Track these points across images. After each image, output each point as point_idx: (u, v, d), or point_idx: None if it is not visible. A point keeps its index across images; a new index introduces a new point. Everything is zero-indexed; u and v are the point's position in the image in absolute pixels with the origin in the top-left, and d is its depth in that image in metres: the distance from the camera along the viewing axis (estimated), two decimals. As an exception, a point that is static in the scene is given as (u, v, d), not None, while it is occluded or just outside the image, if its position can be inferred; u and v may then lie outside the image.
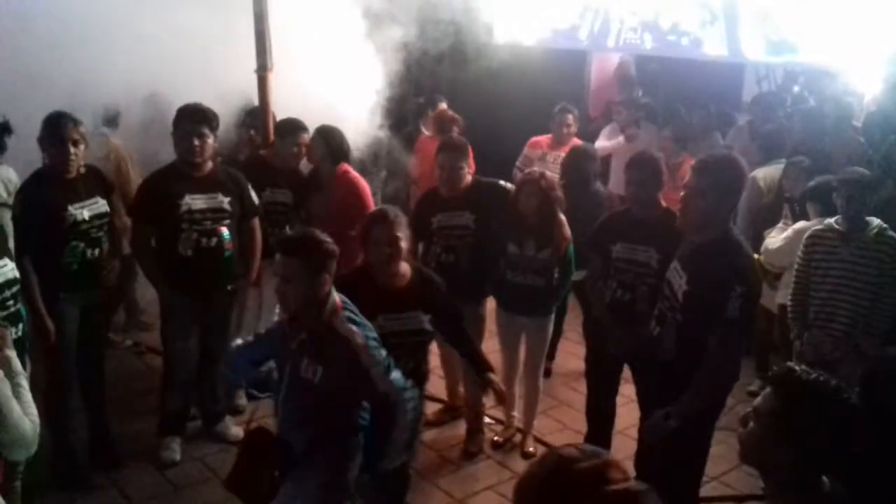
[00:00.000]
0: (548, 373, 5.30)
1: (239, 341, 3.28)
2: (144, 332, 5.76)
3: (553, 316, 4.56)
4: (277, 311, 3.61)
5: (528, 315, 4.45)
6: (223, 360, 4.17)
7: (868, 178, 4.19)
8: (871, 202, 4.14)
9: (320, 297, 2.83)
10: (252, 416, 3.59)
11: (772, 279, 4.81)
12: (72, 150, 3.82)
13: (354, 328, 2.86)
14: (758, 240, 4.91)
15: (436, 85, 7.40)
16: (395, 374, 2.92)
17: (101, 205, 4.00)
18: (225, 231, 4.19)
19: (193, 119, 4.09)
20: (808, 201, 4.63)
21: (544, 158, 5.97)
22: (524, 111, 7.14)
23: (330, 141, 4.77)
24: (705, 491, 3.82)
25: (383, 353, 2.91)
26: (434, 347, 4.20)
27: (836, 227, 4.13)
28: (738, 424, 2.02)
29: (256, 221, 4.45)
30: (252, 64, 4.86)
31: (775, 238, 4.82)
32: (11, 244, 3.55)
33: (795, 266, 4.31)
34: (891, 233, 4.07)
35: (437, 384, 4.89)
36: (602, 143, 6.60)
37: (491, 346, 4.53)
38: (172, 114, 4.17)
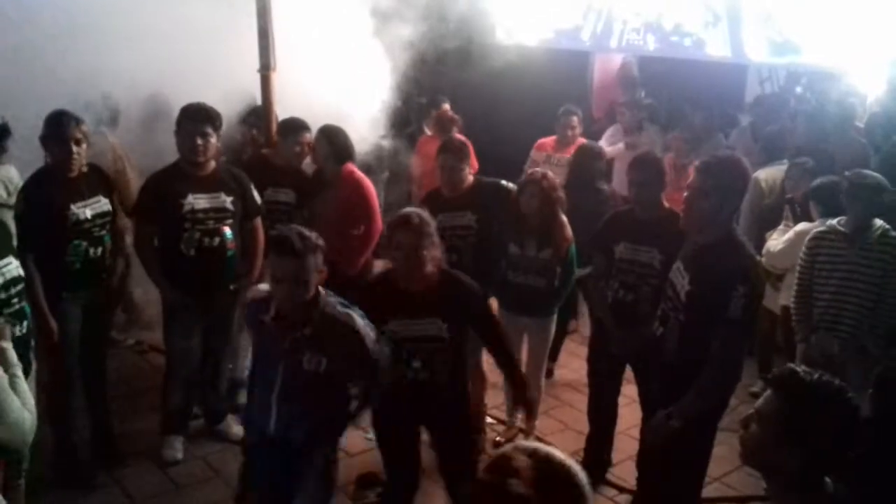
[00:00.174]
0: (550, 373, 5.30)
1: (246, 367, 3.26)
2: (147, 331, 5.76)
3: (555, 316, 4.57)
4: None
5: (530, 315, 4.45)
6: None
7: (884, 183, 4.16)
8: (882, 206, 4.13)
9: (314, 292, 2.87)
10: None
11: (774, 280, 4.81)
12: (74, 148, 3.83)
13: (349, 311, 2.93)
14: (760, 241, 4.91)
15: (438, 85, 7.40)
16: (379, 344, 3.00)
17: (103, 203, 4.01)
18: (227, 231, 4.20)
19: (197, 118, 4.09)
20: (810, 201, 4.63)
21: (549, 160, 5.98)
22: (527, 112, 7.14)
23: (334, 140, 4.77)
24: (707, 492, 3.81)
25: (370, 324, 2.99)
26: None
27: (840, 228, 4.13)
28: (739, 425, 2.02)
29: (259, 221, 4.45)
30: (255, 63, 4.87)
31: (777, 240, 4.82)
32: (15, 243, 3.55)
33: (798, 268, 4.31)
34: (894, 234, 4.08)
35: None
36: (604, 147, 6.60)
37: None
38: (176, 113, 4.17)
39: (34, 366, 3.28)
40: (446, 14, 6.01)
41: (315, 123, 4.83)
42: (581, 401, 4.49)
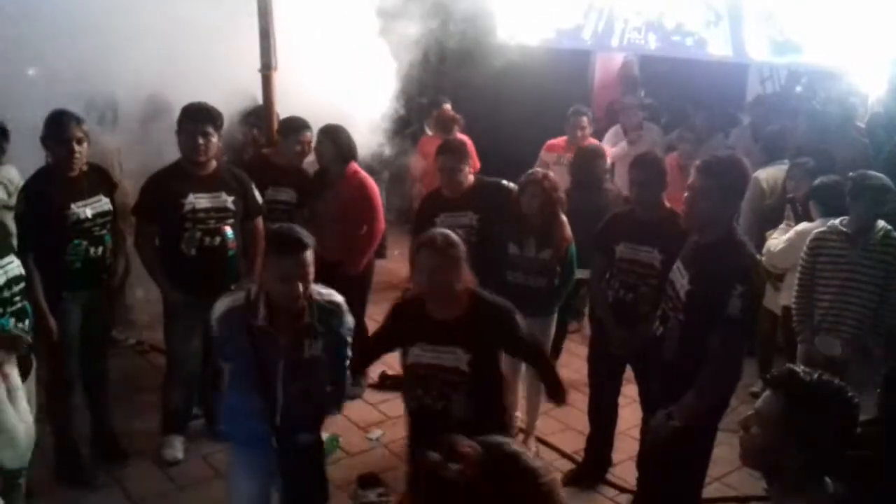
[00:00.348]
0: (550, 373, 5.28)
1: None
2: (147, 331, 5.76)
3: (555, 316, 4.56)
4: None
5: (530, 315, 4.40)
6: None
7: (888, 184, 4.15)
8: (884, 207, 4.12)
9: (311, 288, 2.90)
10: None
11: (774, 280, 4.80)
12: (75, 148, 3.83)
13: (328, 290, 3.02)
14: (760, 240, 4.90)
15: (440, 85, 7.40)
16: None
17: (103, 203, 4.01)
18: (228, 230, 4.19)
19: (198, 118, 4.09)
20: (810, 201, 4.62)
21: (560, 161, 5.93)
22: (528, 111, 7.14)
23: (337, 140, 4.77)
24: (707, 492, 3.80)
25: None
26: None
27: (842, 228, 4.12)
28: (739, 426, 2.02)
29: (260, 221, 4.45)
30: (257, 63, 4.86)
31: (777, 239, 4.81)
32: (16, 242, 3.56)
33: (799, 268, 4.30)
34: (896, 234, 4.08)
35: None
36: (606, 148, 6.58)
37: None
38: (176, 112, 4.17)
39: (35, 363, 3.28)
40: (448, 14, 6.01)
41: (316, 123, 4.83)
42: (581, 401, 4.49)
